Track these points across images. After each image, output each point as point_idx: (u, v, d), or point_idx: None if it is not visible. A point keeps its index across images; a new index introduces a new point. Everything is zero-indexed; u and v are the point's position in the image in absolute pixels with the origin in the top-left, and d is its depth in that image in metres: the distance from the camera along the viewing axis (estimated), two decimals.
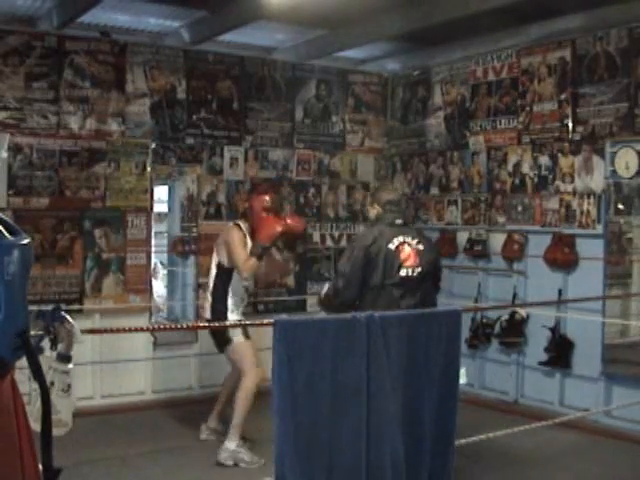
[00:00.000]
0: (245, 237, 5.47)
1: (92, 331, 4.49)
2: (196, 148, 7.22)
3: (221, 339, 5.40)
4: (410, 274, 4.46)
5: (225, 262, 5.45)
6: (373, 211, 4.86)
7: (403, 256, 4.47)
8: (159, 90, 7.03)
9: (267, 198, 5.64)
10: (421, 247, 4.54)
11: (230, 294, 5.44)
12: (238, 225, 5.56)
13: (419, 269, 4.49)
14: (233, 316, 5.43)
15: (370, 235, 4.59)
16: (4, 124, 6.34)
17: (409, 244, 4.52)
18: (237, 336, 5.32)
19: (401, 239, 4.51)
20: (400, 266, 4.45)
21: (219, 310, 5.42)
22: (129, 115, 6.88)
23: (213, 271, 5.54)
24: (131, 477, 5.07)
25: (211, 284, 5.52)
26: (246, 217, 5.77)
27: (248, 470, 5.11)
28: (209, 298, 5.51)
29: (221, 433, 5.57)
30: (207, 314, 5.52)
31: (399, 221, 4.65)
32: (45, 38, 6.50)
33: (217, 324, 5.29)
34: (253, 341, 5.44)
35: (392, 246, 4.48)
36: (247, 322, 5.08)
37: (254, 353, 5.41)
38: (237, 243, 5.38)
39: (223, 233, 5.63)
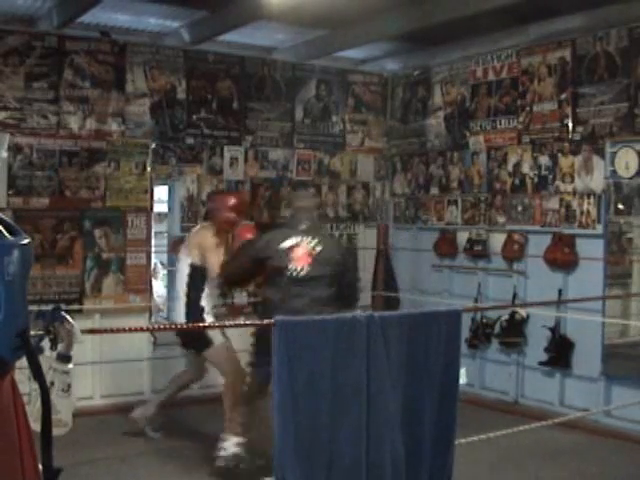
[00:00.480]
0: (216, 239, 5.45)
1: (92, 331, 4.49)
2: (196, 148, 7.22)
3: (203, 341, 5.30)
4: (297, 273, 4.62)
5: (199, 263, 5.40)
6: (287, 214, 5.11)
7: (294, 256, 4.65)
8: (159, 90, 7.03)
9: (232, 198, 5.69)
10: (318, 249, 4.68)
11: (205, 295, 5.40)
12: (207, 227, 5.54)
13: (308, 269, 4.62)
14: (209, 318, 5.37)
15: (266, 237, 4.92)
16: (4, 124, 6.34)
17: (304, 246, 4.68)
18: (217, 337, 5.27)
19: (295, 240, 4.70)
20: (288, 264, 4.63)
21: (195, 311, 5.36)
22: (129, 115, 6.88)
23: (185, 271, 5.45)
24: (130, 477, 5.08)
25: (184, 286, 5.43)
26: (212, 218, 5.67)
27: (248, 470, 5.11)
28: (183, 299, 5.42)
29: (149, 423, 5.71)
30: (180, 317, 5.42)
31: (302, 226, 4.81)
32: (45, 38, 6.50)
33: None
34: (230, 340, 5.39)
35: (284, 246, 4.68)
36: (247, 322, 5.08)
37: (233, 352, 5.37)
38: (212, 247, 5.35)
39: (194, 235, 5.57)
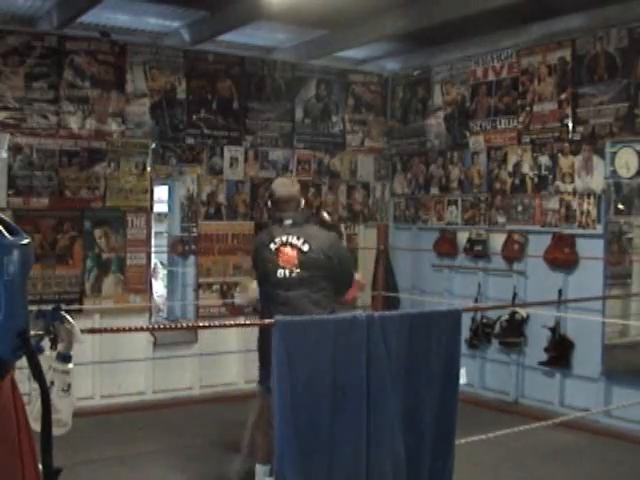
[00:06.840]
0: None
1: (92, 331, 4.50)
2: (196, 148, 7.22)
3: None
4: (287, 275, 4.21)
5: None
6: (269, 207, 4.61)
7: (282, 257, 4.24)
8: (159, 90, 7.03)
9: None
10: (305, 247, 4.23)
11: None
12: None
13: (298, 270, 4.21)
14: None
15: (261, 237, 4.52)
16: (4, 124, 6.34)
17: (292, 245, 4.25)
18: None
19: (284, 239, 4.27)
20: (277, 267, 4.24)
21: None
22: (129, 115, 6.88)
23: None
24: (130, 477, 5.07)
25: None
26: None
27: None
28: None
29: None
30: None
31: (288, 221, 4.33)
32: (45, 38, 6.50)
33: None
34: None
35: (273, 247, 4.28)
36: (247, 322, 5.08)
37: None
38: None
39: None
